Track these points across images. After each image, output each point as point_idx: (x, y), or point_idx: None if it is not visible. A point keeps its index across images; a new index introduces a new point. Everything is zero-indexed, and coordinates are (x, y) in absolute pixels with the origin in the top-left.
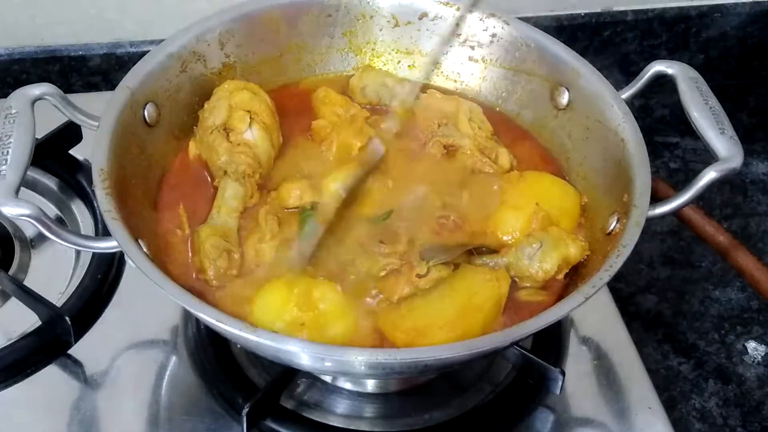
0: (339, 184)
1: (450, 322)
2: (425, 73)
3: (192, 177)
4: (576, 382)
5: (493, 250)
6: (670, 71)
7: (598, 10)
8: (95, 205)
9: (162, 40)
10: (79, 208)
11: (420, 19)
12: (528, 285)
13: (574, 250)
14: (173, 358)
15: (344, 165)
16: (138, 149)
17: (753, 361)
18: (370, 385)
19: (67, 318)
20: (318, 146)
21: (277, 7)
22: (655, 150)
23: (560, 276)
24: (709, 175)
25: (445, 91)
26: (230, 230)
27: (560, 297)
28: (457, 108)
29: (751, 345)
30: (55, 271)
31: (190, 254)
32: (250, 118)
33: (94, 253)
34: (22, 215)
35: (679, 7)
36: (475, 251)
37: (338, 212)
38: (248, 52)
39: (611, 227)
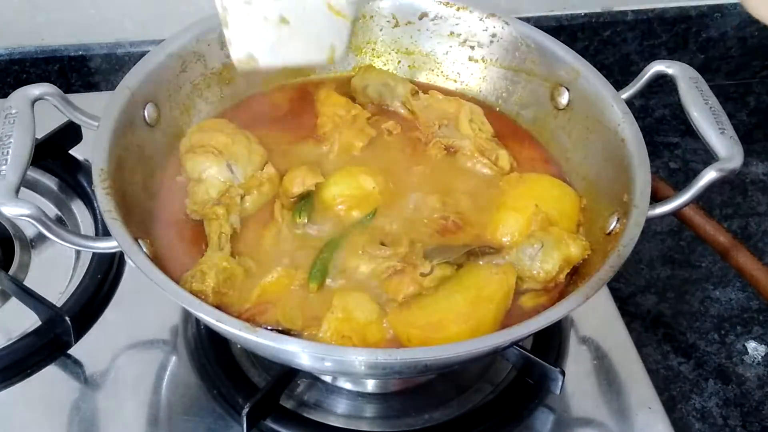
0: None
1: (463, 314)
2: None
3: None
4: (576, 382)
5: (495, 250)
6: (670, 71)
7: (598, 10)
8: (95, 205)
9: (162, 40)
10: (79, 208)
11: (420, 19)
12: (529, 287)
13: (575, 250)
14: (173, 358)
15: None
16: (138, 149)
17: (753, 361)
18: (370, 385)
19: (67, 318)
20: (320, 146)
21: None
22: (655, 150)
23: (561, 276)
24: (709, 175)
25: (445, 92)
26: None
27: (561, 299)
28: (458, 109)
29: (751, 345)
30: (55, 271)
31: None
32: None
33: (94, 253)
34: (22, 215)
35: (679, 7)
36: (478, 250)
37: None
38: None
39: (611, 227)
